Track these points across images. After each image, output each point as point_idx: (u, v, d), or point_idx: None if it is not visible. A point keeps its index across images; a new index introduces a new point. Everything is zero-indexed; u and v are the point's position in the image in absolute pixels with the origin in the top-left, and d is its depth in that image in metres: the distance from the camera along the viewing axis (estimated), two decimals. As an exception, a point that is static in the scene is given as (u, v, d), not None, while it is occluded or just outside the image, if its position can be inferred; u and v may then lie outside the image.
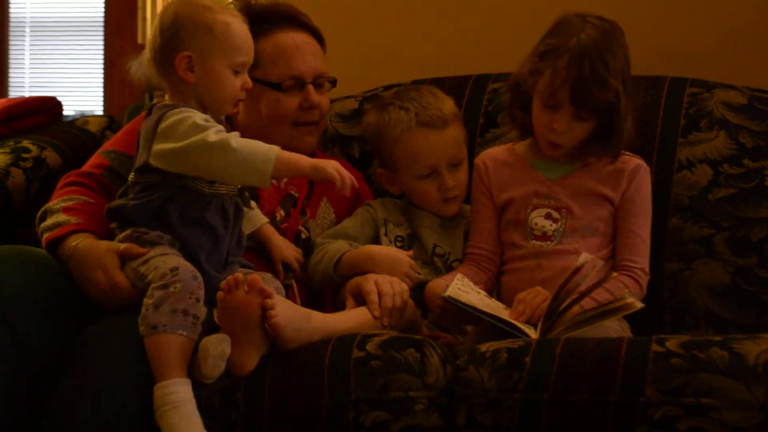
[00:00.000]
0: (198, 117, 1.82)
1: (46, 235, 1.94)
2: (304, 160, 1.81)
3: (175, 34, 1.87)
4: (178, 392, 1.68)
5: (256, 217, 2.07)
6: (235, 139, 1.78)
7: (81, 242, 1.89)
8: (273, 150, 1.78)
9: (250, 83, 1.93)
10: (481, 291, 2.03)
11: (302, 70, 2.24)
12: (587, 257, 1.89)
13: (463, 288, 1.97)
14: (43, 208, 2.03)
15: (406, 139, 2.21)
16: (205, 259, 1.86)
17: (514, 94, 2.15)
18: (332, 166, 1.81)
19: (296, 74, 2.23)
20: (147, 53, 1.93)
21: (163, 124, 1.83)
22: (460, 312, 1.93)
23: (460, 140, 2.25)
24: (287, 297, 2.05)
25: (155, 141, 1.83)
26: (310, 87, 2.24)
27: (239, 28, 1.91)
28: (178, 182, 1.85)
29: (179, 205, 1.85)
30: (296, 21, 2.28)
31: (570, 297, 1.87)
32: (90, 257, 1.86)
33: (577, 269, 1.88)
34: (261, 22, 2.24)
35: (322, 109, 2.28)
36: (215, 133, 1.78)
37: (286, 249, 2.12)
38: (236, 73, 1.90)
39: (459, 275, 2.04)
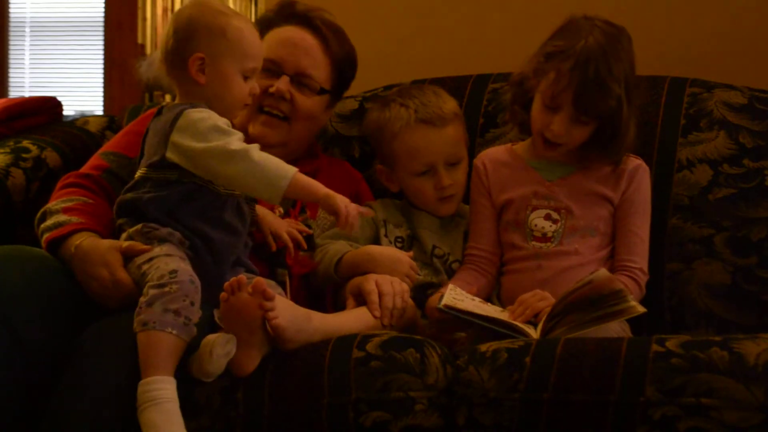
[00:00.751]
0: (220, 120, 1.85)
1: (46, 235, 1.94)
2: (318, 187, 1.84)
3: (190, 36, 1.90)
4: (161, 389, 1.67)
5: None
6: (256, 150, 1.81)
7: (84, 241, 1.89)
8: (291, 170, 1.81)
9: (257, 89, 1.96)
10: (475, 298, 2.03)
11: (283, 59, 2.22)
12: (605, 273, 1.88)
13: (457, 297, 1.97)
14: (42, 210, 2.02)
15: (404, 135, 2.21)
16: (223, 257, 1.87)
17: (517, 91, 2.16)
18: (342, 201, 1.83)
19: (274, 59, 2.22)
20: (159, 54, 1.94)
21: (183, 120, 1.85)
22: (457, 321, 1.93)
23: (460, 140, 2.25)
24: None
25: (173, 133, 1.85)
26: (285, 77, 2.22)
27: (251, 34, 1.93)
28: (194, 180, 1.86)
29: (199, 204, 1.87)
30: (309, 22, 2.27)
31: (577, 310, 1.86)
32: (93, 255, 1.85)
33: (590, 282, 1.87)
34: (280, 17, 2.27)
35: (295, 106, 2.23)
36: (238, 140, 1.82)
37: (274, 220, 2.08)
38: (245, 78, 1.92)
39: (450, 285, 2.04)
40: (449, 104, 2.25)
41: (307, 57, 2.25)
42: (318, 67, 2.26)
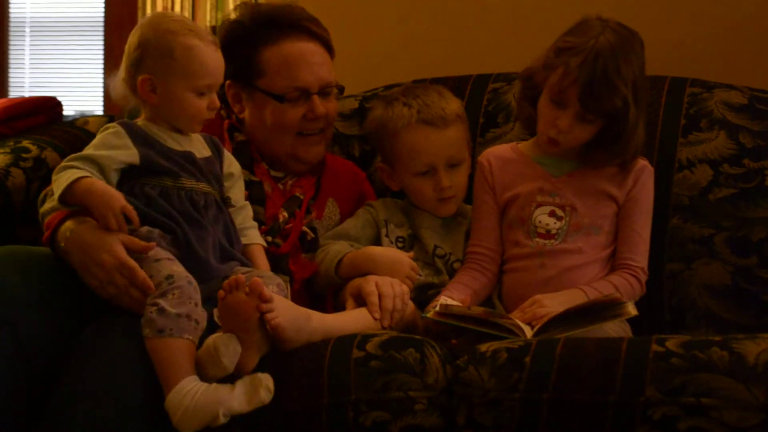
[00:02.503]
0: (102, 135, 1.90)
1: (47, 219, 1.93)
2: (92, 195, 1.82)
3: (139, 56, 1.92)
4: (196, 386, 1.69)
5: (250, 235, 2.05)
6: (62, 168, 1.84)
7: (81, 224, 1.86)
8: (70, 178, 1.81)
9: (216, 104, 1.95)
10: (470, 307, 2.03)
11: (308, 81, 2.22)
12: (616, 296, 1.89)
13: (450, 306, 1.98)
14: (43, 192, 2.02)
15: (405, 135, 2.22)
16: (198, 244, 1.87)
17: (525, 86, 2.16)
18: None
19: (301, 86, 2.21)
20: (121, 73, 1.96)
21: None
22: (450, 329, 1.94)
23: (461, 141, 2.25)
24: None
25: None
26: (316, 98, 2.22)
27: (202, 51, 1.92)
28: (141, 181, 1.89)
29: (158, 197, 1.88)
30: (304, 29, 2.25)
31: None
32: (92, 238, 1.82)
33: (603, 302, 1.87)
34: (268, 29, 2.23)
35: (328, 118, 2.26)
36: (74, 157, 1.86)
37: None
38: (201, 94, 1.93)
39: (442, 297, 2.05)
40: (452, 105, 2.25)
41: (322, 68, 2.25)
42: (331, 70, 2.27)
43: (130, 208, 1.81)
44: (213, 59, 1.94)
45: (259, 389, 1.70)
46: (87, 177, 1.83)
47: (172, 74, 1.91)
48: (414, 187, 2.24)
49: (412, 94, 2.26)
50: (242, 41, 2.22)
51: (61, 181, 1.83)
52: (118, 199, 1.81)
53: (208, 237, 1.89)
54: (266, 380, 1.71)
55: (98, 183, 1.83)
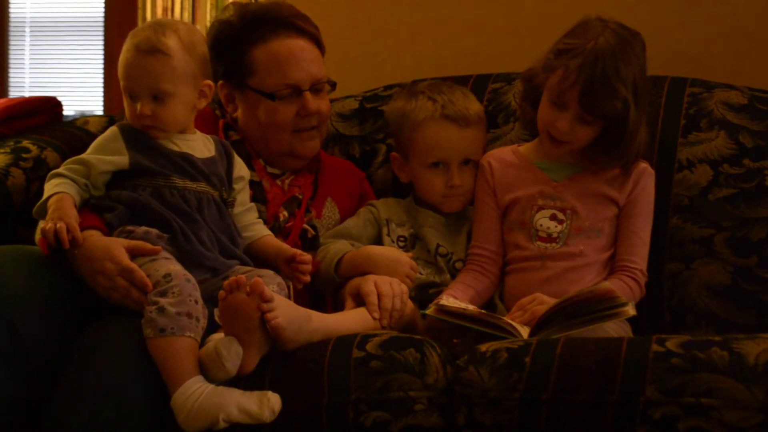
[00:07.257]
0: (99, 138, 1.95)
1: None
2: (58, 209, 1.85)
3: None
4: (201, 387, 1.69)
5: (260, 229, 2.06)
6: (48, 178, 1.90)
7: (87, 238, 1.87)
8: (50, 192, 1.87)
9: (145, 111, 1.91)
10: (468, 306, 2.03)
11: (298, 78, 2.22)
12: (606, 285, 1.89)
13: (450, 304, 1.98)
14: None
15: (426, 127, 2.23)
16: (193, 234, 1.88)
17: (527, 87, 2.17)
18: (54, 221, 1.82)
19: (291, 83, 2.21)
20: None
21: None
22: (452, 327, 1.94)
23: (478, 143, 2.26)
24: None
25: None
26: (307, 94, 2.22)
27: (128, 54, 1.92)
28: (134, 182, 1.91)
29: (151, 195, 1.90)
30: (292, 26, 2.25)
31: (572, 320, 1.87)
32: (97, 251, 1.84)
33: (590, 292, 1.87)
34: (256, 28, 2.23)
35: (321, 114, 2.26)
36: (63, 167, 1.92)
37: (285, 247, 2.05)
38: (130, 97, 1.93)
39: (444, 296, 2.04)
40: (476, 106, 2.27)
41: (312, 64, 2.24)
42: (321, 66, 2.27)
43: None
44: (133, 66, 1.92)
45: (264, 407, 1.69)
46: (64, 194, 1.87)
47: None
48: (425, 179, 2.25)
49: (438, 90, 2.27)
50: (231, 41, 2.21)
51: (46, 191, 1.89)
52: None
53: (202, 230, 1.90)
54: (274, 401, 1.70)
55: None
